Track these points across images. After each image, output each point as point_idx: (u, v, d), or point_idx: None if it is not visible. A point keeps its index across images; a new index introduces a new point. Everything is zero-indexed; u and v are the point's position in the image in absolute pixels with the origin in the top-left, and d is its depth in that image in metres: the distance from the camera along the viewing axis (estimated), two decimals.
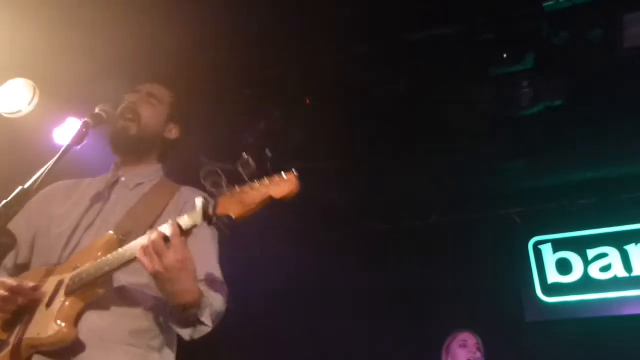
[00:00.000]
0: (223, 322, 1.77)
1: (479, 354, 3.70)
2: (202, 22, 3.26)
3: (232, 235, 1.81)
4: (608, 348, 4.27)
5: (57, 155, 1.77)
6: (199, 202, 1.54)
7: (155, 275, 1.54)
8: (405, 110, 3.83)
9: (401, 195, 4.94)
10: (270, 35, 3.44)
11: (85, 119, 1.89)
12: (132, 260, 1.59)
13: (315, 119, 3.94)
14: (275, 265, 4.90)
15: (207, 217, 1.52)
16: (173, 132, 2.10)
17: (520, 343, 4.56)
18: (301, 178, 1.46)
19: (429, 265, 4.98)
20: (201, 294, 1.62)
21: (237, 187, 1.49)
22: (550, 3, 3.16)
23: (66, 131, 3.47)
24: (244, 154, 1.47)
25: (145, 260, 1.53)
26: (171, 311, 1.65)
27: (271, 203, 1.47)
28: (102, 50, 3.30)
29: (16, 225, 1.89)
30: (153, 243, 1.52)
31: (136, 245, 1.59)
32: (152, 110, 2.04)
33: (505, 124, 3.90)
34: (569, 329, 4.63)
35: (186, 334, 1.67)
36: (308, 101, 3.94)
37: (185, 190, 1.99)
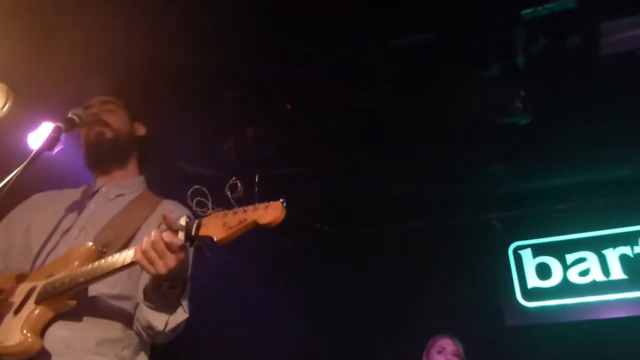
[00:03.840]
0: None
1: None
2: (182, 26, 3.22)
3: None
4: (588, 352, 4.31)
5: (27, 160, 1.72)
6: (182, 221, 1.50)
7: (159, 276, 1.51)
8: (387, 116, 3.83)
9: (382, 200, 4.94)
10: (252, 40, 3.42)
11: (57, 124, 1.83)
12: (119, 268, 1.54)
13: (296, 125, 3.92)
14: (255, 272, 4.87)
15: (188, 237, 1.48)
16: (141, 129, 2.12)
17: (500, 347, 4.58)
18: (287, 200, 1.44)
19: (410, 269, 5.00)
20: (188, 281, 1.62)
21: (222, 210, 1.45)
22: (529, 10, 3.19)
23: (40, 136, 3.40)
24: (234, 178, 1.44)
25: (145, 263, 1.49)
26: (153, 289, 1.59)
27: (255, 228, 1.44)
28: (78, 54, 3.23)
29: None
30: (154, 243, 1.47)
31: (118, 257, 1.55)
32: (115, 115, 2.05)
33: (485, 130, 3.91)
34: (549, 333, 4.66)
35: (161, 321, 1.62)
36: (289, 107, 3.92)
37: (167, 204, 1.96)
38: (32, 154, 1.75)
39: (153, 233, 1.50)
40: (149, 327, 1.66)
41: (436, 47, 3.38)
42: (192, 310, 1.72)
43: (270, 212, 1.40)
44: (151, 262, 1.48)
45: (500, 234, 5.07)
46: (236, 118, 4.00)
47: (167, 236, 1.48)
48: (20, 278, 1.74)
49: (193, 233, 1.47)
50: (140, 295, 1.68)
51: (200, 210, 1.46)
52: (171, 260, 1.47)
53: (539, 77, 3.50)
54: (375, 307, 4.99)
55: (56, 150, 1.85)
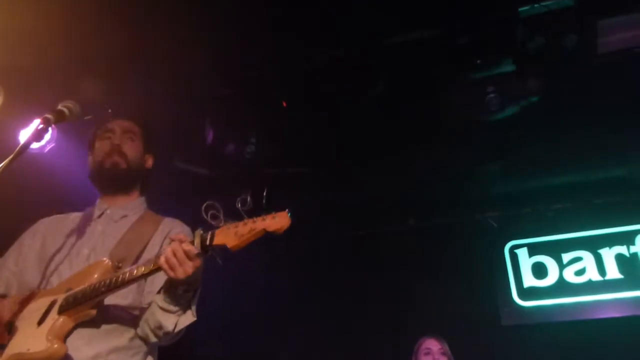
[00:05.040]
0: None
1: (443, 359, 3.70)
2: (178, 24, 3.20)
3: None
4: (583, 352, 4.30)
5: (15, 152, 1.76)
6: (197, 232, 1.69)
7: (177, 281, 1.70)
8: (382, 114, 3.82)
9: (378, 200, 4.93)
10: (248, 38, 3.40)
11: (46, 115, 1.89)
12: (139, 277, 1.73)
13: (291, 123, 3.90)
14: (250, 271, 4.84)
15: (204, 246, 1.66)
16: (150, 161, 2.29)
17: (496, 347, 4.58)
18: (293, 212, 1.59)
19: (406, 268, 4.99)
20: (199, 287, 1.82)
21: (233, 222, 1.63)
22: (526, 8, 3.18)
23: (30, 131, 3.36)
24: (243, 194, 1.62)
25: (167, 268, 1.68)
26: (170, 291, 1.77)
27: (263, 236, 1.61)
28: (72, 51, 3.21)
29: (5, 258, 2.10)
30: (175, 252, 1.66)
31: (136, 268, 1.74)
32: (133, 146, 2.20)
33: (482, 129, 3.90)
34: (545, 332, 4.65)
35: (171, 322, 1.79)
36: (285, 104, 3.90)
37: (168, 222, 2.15)
38: (19, 146, 1.76)
39: (174, 243, 1.69)
40: (159, 328, 1.83)
41: (433, 45, 3.37)
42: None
43: (277, 221, 1.59)
44: (172, 268, 1.67)
45: (496, 233, 5.06)
46: (232, 117, 3.98)
47: (186, 246, 1.67)
48: (39, 294, 1.90)
49: (208, 242, 1.65)
50: (148, 301, 1.88)
51: (215, 222, 1.63)
52: (189, 267, 1.67)
53: (536, 75, 3.48)
54: (371, 306, 4.98)
55: (47, 148, 1.86)
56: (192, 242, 1.67)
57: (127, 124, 2.25)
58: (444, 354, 3.73)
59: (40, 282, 1.95)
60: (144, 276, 1.74)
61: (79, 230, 2.07)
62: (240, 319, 4.88)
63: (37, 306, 1.84)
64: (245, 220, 1.61)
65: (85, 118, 3.23)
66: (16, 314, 1.87)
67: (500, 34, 3.23)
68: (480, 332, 4.62)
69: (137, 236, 2.03)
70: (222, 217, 1.62)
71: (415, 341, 3.91)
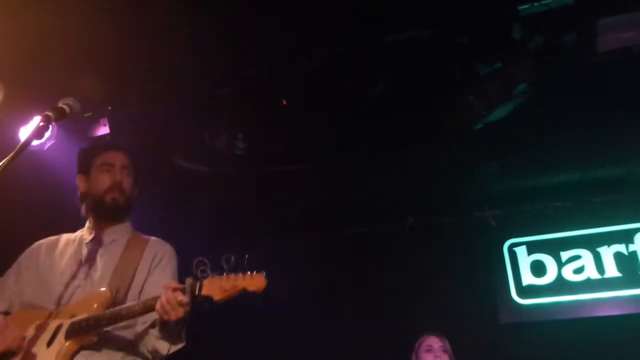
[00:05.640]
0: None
1: (445, 356, 3.69)
2: (176, 21, 3.20)
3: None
4: (582, 350, 4.31)
5: (16, 149, 1.78)
6: (188, 283, 1.97)
7: (169, 321, 1.97)
8: (381, 113, 3.82)
9: (378, 198, 4.93)
10: (247, 36, 3.40)
11: (46, 112, 1.99)
12: (140, 312, 2.02)
13: (290, 121, 3.90)
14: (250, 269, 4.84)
15: (193, 296, 1.96)
16: (136, 191, 2.49)
17: (495, 344, 4.59)
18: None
19: (406, 266, 4.99)
20: (187, 321, 2.07)
21: (218, 275, 1.94)
22: (525, 6, 3.18)
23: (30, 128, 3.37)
24: (227, 255, 1.96)
25: (162, 313, 1.95)
26: (163, 326, 2.06)
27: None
28: (71, 48, 3.21)
29: (6, 278, 2.32)
30: (169, 300, 1.93)
31: (135, 306, 2.03)
32: (129, 182, 2.41)
33: (481, 127, 3.90)
34: (543, 330, 4.66)
35: (165, 347, 2.10)
36: (285, 102, 3.90)
37: (153, 244, 2.40)
38: (20, 143, 1.78)
39: (167, 293, 1.95)
40: (155, 351, 2.14)
41: (432, 43, 3.37)
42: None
43: (255, 282, 1.92)
44: (166, 313, 1.94)
45: (495, 232, 5.06)
46: (231, 114, 3.98)
47: (178, 295, 1.94)
48: (44, 315, 2.15)
49: (196, 293, 1.95)
50: (146, 326, 2.16)
51: (202, 275, 1.94)
52: (180, 312, 1.94)
53: (535, 74, 3.48)
54: (369, 305, 4.98)
55: (47, 145, 1.90)
56: (183, 290, 1.94)
57: (123, 157, 2.43)
58: (445, 351, 3.72)
59: (41, 302, 2.20)
60: (140, 315, 2.05)
61: (75, 254, 2.33)
62: (237, 317, 4.88)
63: (45, 328, 2.11)
64: (229, 275, 1.93)
65: (85, 115, 3.26)
66: (24, 333, 2.12)
67: (500, 33, 3.23)
68: (479, 330, 4.63)
69: (126, 265, 2.28)
70: (208, 270, 1.94)
71: (415, 339, 3.91)
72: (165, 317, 1.95)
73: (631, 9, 3.16)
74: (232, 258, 1.96)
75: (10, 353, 2.08)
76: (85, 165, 2.41)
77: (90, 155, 2.42)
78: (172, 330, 2.06)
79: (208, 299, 1.94)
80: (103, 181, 2.35)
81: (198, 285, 1.95)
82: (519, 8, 3.17)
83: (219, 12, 3.25)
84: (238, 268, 1.96)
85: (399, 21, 3.34)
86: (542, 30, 3.23)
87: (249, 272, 1.94)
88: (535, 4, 3.14)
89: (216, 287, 1.92)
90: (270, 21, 3.29)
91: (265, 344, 4.82)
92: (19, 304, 2.27)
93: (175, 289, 1.95)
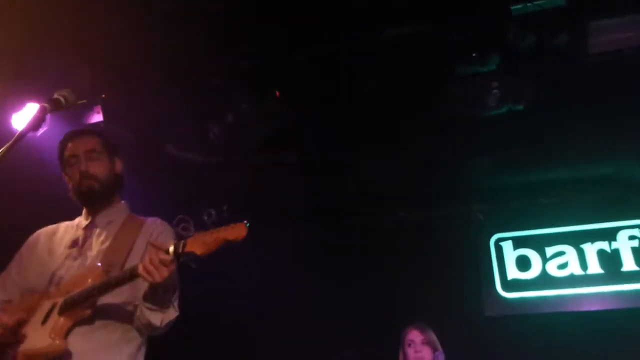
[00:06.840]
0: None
1: (426, 349, 3.70)
2: (170, 11, 3.19)
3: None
4: (565, 343, 4.40)
5: (12, 140, 1.83)
6: (171, 243, 1.93)
7: (155, 284, 1.94)
8: (372, 107, 3.84)
9: (366, 191, 4.97)
10: (241, 27, 3.39)
11: (43, 104, 2.00)
12: (127, 279, 1.99)
13: (282, 113, 3.91)
14: (238, 265, 4.87)
15: (177, 254, 1.91)
16: (119, 164, 2.46)
17: (479, 337, 4.66)
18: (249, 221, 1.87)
19: (392, 259, 5.04)
20: (177, 288, 2.09)
21: (201, 232, 1.91)
22: (518, 6, 3.20)
23: (24, 116, 3.36)
24: (209, 209, 1.89)
25: (145, 274, 1.91)
26: (151, 294, 2.02)
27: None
28: (64, 35, 3.19)
29: (9, 270, 2.36)
30: (152, 260, 1.90)
31: (123, 273, 2.01)
32: (99, 164, 2.37)
33: (470, 123, 3.94)
34: (527, 323, 4.74)
35: (158, 318, 2.06)
36: (277, 94, 3.90)
37: (149, 224, 2.39)
38: (16, 135, 1.81)
39: (150, 252, 1.92)
40: (149, 324, 2.09)
41: (424, 40, 3.39)
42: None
43: (235, 231, 1.86)
44: (150, 274, 1.90)
45: (482, 226, 5.13)
46: (223, 104, 3.98)
47: (161, 254, 1.90)
48: (41, 297, 2.17)
49: (180, 250, 1.90)
50: (140, 300, 2.09)
51: (185, 233, 1.83)
52: (164, 272, 1.90)
53: (526, 73, 3.52)
54: (357, 297, 5.03)
55: (41, 131, 1.92)
56: (168, 251, 1.90)
57: (87, 142, 2.39)
58: (426, 343, 3.72)
59: (42, 287, 2.22)
60: (127, 281, 2.01)
61: (72, 240, 2.34)
62: (232, 312, 4.91)
63: (41, 309, 2.13)
64: (212, 230, 1.89)
65: (79, 102, 3.26)
66: (24, 316, 2.13)
67: (492, 32, 3.26)
68: (463, 322, 4.70)
69: (122, 242, 2.28)
70: (192, 228, 2.04)
71: (400, 330, 3.95)
72: (150, 279, 1.90)
73: (623, 11, 3.20)
74: (213, 212, 1.98)
75: (8, 342, 2.08)
76: (61, 163, 2.42)
77: (59, 151, 2.42)
78: (161, 298, 2.03)
79: (192, 255, 1.89)
80: (73, 175, 2.35)
81: (182, 244, 1.91)
82: (512, 7, 3.19)
83: (214, 1, 3.24)
84: (222, 222, 1.92)
85: (392, 17, 3.35)
86: (535, 30, 3.26)
87: (230, 225, 1.89)
88: (528, 4, 3.16)
89: (199, 242, 1.88)
90: (263, 15, 3.28)
91: (254, 337, 4.86)
92: (22, 292, 2.30)
93: (158, 248, 1.92)
